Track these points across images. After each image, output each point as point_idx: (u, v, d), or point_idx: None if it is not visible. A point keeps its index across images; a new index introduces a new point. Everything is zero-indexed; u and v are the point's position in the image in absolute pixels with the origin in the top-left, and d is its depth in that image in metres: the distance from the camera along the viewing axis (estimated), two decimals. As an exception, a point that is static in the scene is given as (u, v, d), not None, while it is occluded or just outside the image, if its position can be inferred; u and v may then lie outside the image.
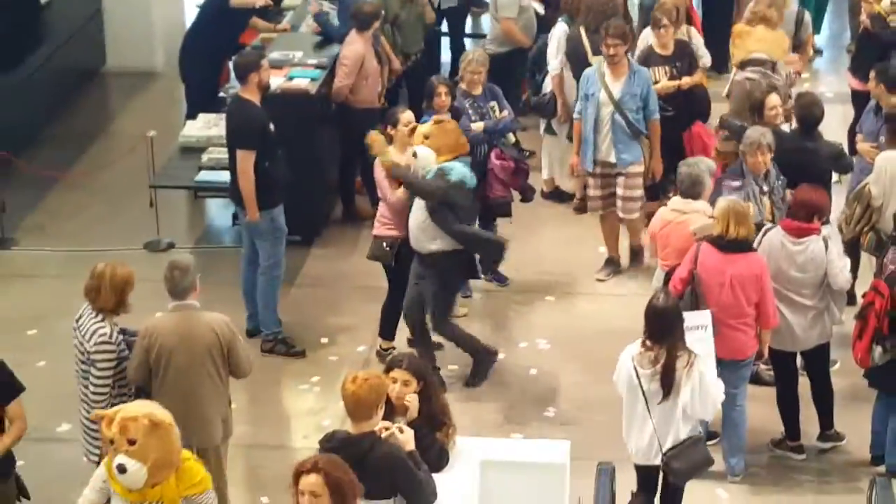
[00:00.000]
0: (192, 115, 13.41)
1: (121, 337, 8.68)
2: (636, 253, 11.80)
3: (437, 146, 10.08)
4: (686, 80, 12.08)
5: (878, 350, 9.38)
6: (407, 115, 10.68)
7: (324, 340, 10.99)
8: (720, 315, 9.21)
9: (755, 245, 9.58)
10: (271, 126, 11.13)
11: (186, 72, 14.29)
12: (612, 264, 11.65)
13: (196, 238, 12.95)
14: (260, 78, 11.06)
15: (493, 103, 11.94)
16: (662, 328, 8.41)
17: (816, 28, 14.64)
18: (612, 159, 11.42)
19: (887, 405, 9.58)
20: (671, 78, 12.04)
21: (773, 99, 11.17)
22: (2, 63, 14.54)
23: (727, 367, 9.35)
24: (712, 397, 8.42)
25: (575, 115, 11.64)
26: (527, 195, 12.07)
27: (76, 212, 13.36)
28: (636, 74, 11.40)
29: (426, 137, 10.14)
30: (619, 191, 11.53)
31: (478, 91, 11.91)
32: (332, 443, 7.43)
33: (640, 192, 11.56)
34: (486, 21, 16.32)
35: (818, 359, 9.86)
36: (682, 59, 12.22)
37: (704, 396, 8.34)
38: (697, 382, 8.35)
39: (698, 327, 8.98)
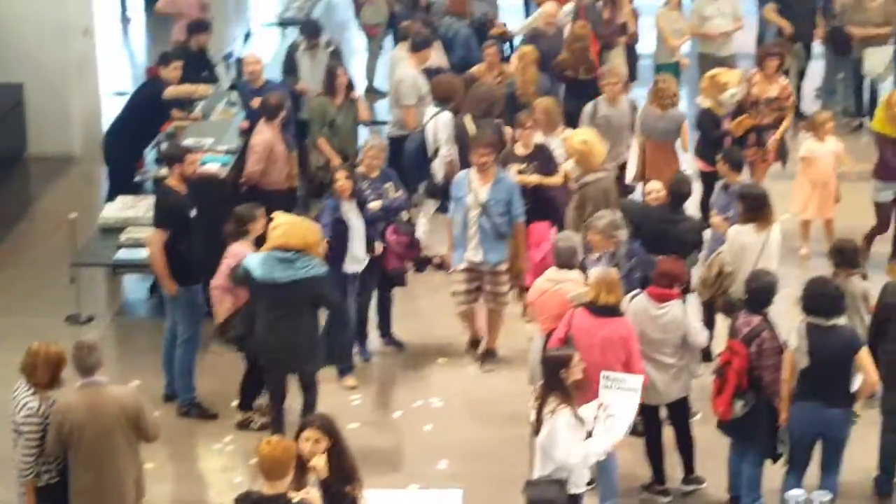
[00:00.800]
0: (111, 197, 13.41)
1: (47, 411, 8.73)
2: (491, 352, 11.72)
3: (286, 241, 10.00)
4: (535, 178, 12.02)
5: (738, 403, 9.61)
6: (262, 213, 10.79)
7: (234, 404, 11.05)
8: (592, 373, 9.28)
9: (623, 309, 9.75)
10: (191, 213, 11.26)
11: (110, 156, 14.29)
12: (491, 354, 11.63)
13: (114, 311, 12.97)
14: (183, 169, 11.30)
15: (389, 184, 12.06)
16: (544, 374, 8.84)
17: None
18: (479, 259, 11.41)
19: (740, 452, 9.85)
20: (523, 173, 12.09)
21: (652, 184, 11.54)
22: None
23: None
24: (560, 448, 8.53)
25: (449, 215, 11.75)
26: (420, 266, 12.31)
27: (3, 287, 13.28)
28: (502, 181, 11.41)
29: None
30: (487, 287, 11.51)
31: (375, 174, 12.05)
32: (247, 502, 7.57)
33: (506, 289, 11.56)
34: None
35: (680, 411, 10.07)
36: (539, 159, 12.14)
37: (551, 444, 8.53)
38: (551, 429, 8.55)
39: (631, 389, 9.08)
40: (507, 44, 16.74)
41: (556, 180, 12.13)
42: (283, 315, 10.02)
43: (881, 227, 12.97)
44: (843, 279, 10.21)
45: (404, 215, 12.21)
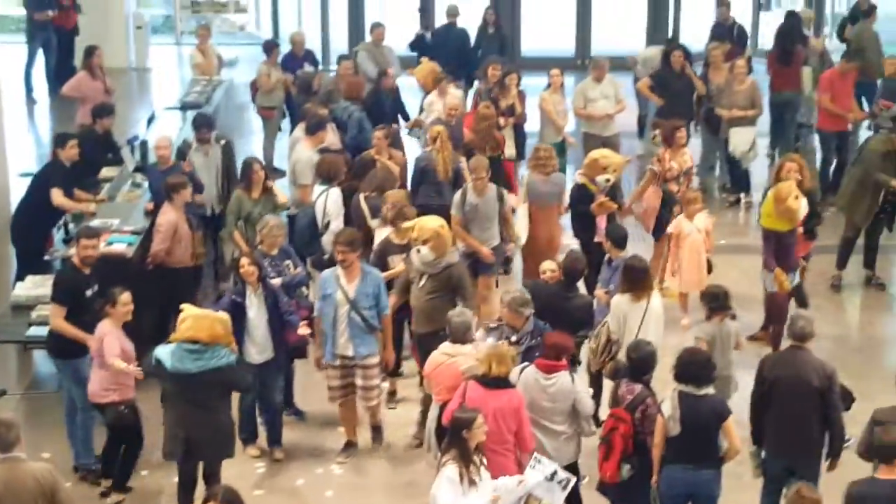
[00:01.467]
0: (20, 275, 13.33)
1: None
2: (377, 432, 11.62)
3: (194, 335, 9.93)
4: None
5: (625, 468, 9.72)
6: (125, 297, 10.72)
7: (143, 473, 11.03)
8: (486, 442, 9.36)
9: (514, 381, 9.79)
10: (89, 292, 11.25)
11: (17, 239, 14.18)
12: (351, 447, 11.44)
13: (25, 385, 12.80)
14: (77, 252, 11.35)
15: (288, 262, 12.16)
16: (449, 432, 9.07)
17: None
18: (350, 353, 11.16)
19: None
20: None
21: (547, 264, 11.66)
22: None
23: None
24: (440, 500, 8.85)
25: (315, 314, 11.41)
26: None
27: None
28: (368, 276, 11.19)
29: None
30: (359, 381, 11.26)
31: (275, 252, 12.11)
32: None
33: (377, 382, 11.37)
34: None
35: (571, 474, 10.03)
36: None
37: (436, 495, 8.89)
38: (437, 480, 8.92)
39: (558, 482, 9.29)
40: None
41: None
42: (195, 407, 9.96)
43: (780, 318, 12.45)
44: (718, 322, 10.64)
45: (304, 290, 12.23)
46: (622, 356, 10.93)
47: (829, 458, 9.85)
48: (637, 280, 11.26)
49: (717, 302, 10.82)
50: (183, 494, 10.26)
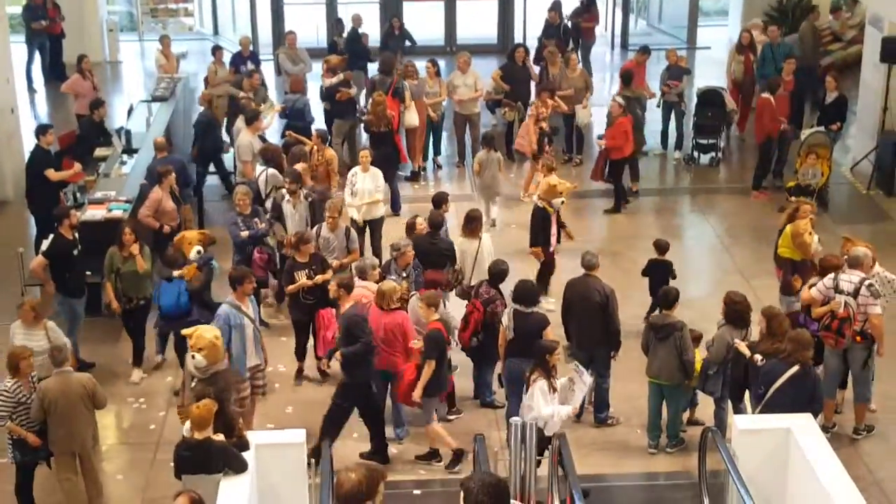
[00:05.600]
0: (42, 235, 13.47)
1: (15, 388, 9.42)
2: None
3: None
4: (318, 278, 11.57)
5: (474, 339, 10.83)
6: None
7: None
8: (383, 346, 10.33)
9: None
10: (75, 252, 11.84)
11: (33, 209, 14.47)
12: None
13: (53, 313, 12.19)
14: (70, 222, 11.96)
15: (257, 219, 12.58)
16: (536, 355, 9.61)
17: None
18: (257, 361, 10.54)
19: (478, 368, 11.15)
20: (308, 278, 11.51)
21: (417, 219, 12.12)
22: None
23: (388, 377, 10.57)
24: (537, 405, 9.39)
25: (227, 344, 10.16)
26: (277, 277, 12.55)
27: None
28: (250, 299, 10.59)
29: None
30: (258, 382, 10.66)
31: (247, 211, 12.56)
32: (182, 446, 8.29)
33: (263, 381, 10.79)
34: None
35: None
36: (316, 264, 11.66)
37: (532, 402, 9.45)
38: (532, 392, 9.49)
39: (585, 383, 9.75)
40: None
41: (329, 276, 11.53)
42: None
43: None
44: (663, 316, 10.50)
45: (268, 240, 12.71)
46: (465, 280, 11.79)
47: (613, 349, 10.82)
48: (469, 223, 12.17)
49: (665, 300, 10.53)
50: None
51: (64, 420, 9.44)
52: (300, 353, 11.91)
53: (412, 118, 16.86)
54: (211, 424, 8.33)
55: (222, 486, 8.05)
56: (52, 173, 14.15)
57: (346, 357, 10.20)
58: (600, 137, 16.19)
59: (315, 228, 12.45)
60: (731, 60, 18.67)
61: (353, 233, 12.62)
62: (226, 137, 16.79)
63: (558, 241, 13.05)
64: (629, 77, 17.11)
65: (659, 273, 12.33)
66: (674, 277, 12.26)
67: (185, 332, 9.66)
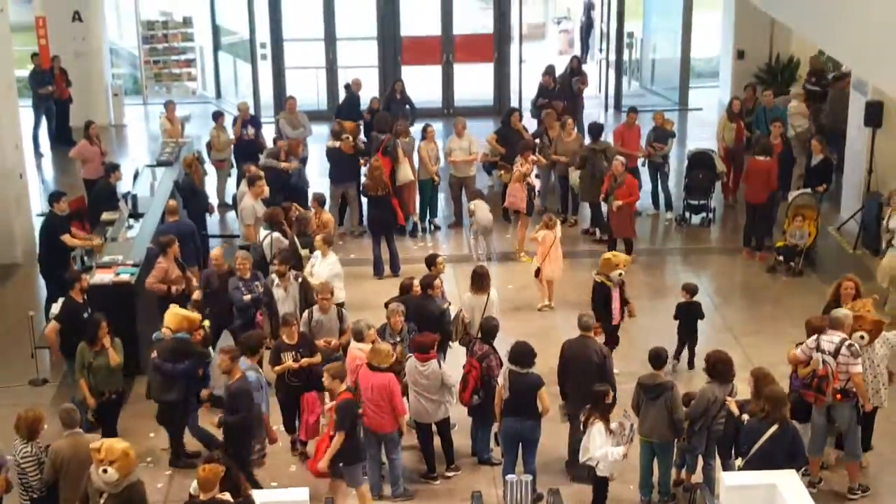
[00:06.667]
0: (52, 299, 13.85)
1: (36, 451, 9.64)
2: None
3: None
4: (304, 362, 11.57)
5: (475, 397, 11.09)
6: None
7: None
8: (371, 406, 10.53)
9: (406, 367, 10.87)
10: (84, 314, 12.11)
11: (45, 273, 14.78)
12: None
13: (62, 376, 13.22)
14: (81, 286, 12.41)
15: (258, 283, 12.79)
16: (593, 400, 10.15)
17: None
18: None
19: (478, 428, 11.47)
20: (295, 360, 11.52)
21: (412, 280, 12.38)
22: None
23: (383, 437, 10.78)
24: (593, 446, 9.97)
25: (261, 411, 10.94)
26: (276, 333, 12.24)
27: None
28: (246, 375, 10.76)
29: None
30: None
31: (248, 275, 12.78)
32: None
33: None
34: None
35: (444, 425, 11.36)
36: (304, 347, 11.64)
37: (588, 443, 10.04)
38: (589, 433, 10.08)
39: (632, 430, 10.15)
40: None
41: (316, 360, 11.63)
42: None
43: None
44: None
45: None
46: (472, 332, 12.15)
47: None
48: (477, 281, 12.58)
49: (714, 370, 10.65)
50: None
51: (75, 481, 9.50)
52: (289, 428, 11.92)
53: (406, 173, 17.32)
54: (217, 486, 8.55)
55: None
56: (69, 239, 14.47)
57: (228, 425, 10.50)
58: (606, 199, 16.42)
59: (307, 312, 12.28)
60: (721, 128, 18.99)
61: (345, 313, 12.49)
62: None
63: (622, 316, 13.03)
64: (597, 130, 17.63)
65: (689, 315, 13.11)
66: (702, 318, 13.05)
67: (92, 445, 9.02)
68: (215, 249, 12.88)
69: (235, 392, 10.55)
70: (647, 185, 18.48)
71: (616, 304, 12.91)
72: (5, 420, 10.75)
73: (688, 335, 13.43)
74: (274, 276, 13.01)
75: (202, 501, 8.54)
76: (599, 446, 9.88)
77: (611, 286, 12.90)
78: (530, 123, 19.62)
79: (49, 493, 9.71)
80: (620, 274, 12.92)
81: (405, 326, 11.80)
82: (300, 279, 13.09)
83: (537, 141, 18.22)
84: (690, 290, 13.28)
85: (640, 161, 18.34)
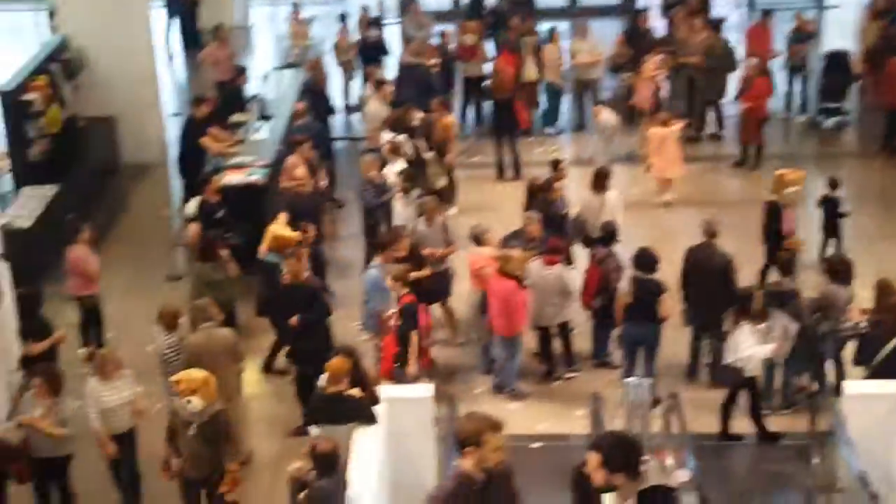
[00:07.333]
0: (187, 198, 14.13)
1: (176, 341, 9.99)
2: None
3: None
4: (414, 275, 11.18)
5: (597, 300, 11.25)
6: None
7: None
8: (502, 306, 10.68)
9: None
10: (220, 213, 12.50)
11: (182, 174, 15.10)
12: None
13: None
14: (215, 186, 12.68)
15: (386, 187, 12.83)
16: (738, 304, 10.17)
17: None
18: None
19: (598, 326, 11.44)
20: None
21: (530, 213, 12.03)
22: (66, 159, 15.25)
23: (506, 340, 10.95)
24: (741, 347, 9.93)
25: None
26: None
27: (122, 258, 14.12)
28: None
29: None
30: None
31: (377, 179, 12.93)
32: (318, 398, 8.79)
33: None
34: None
35: (564, 328, 11.36)
36: (413, 259, 11.44)
37: (735, 344, 10.04)
38: (736, 335, 10.07)
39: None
40: None
41: (425, 273, 11.56)
42: None
43: None
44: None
45: None
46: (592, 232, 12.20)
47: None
48: (599, 182, 12.68)
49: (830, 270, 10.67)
50: None
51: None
52: None
53: (531, 71, 17.33)
54: (345, 380, 8.78)
55: (356, 436, 8.48)
56: (207, 141, 14.70)
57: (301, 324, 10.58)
58: (736, 99, 16.17)
59: (412, 224, 12.26)
60: (864, 27, 18.37)
61: (450, 225, 12.39)
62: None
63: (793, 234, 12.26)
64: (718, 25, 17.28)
65: (831, 207, 13.18)
66: (844, 214, 13.06)
67: (172, 378, 9.13)
68: (299, 169, 12.83)
69: (311, 289, 10.70)
70: (782, 87, 18.11)
71: (790, 225, 12.22)
72: (146, 312, 11.23)
73: (831, 230, 13.34)
74: (399, 190, 13.01)
75: (329, 394, 8.79)
76: (747, 347, 9.90)
77: (785, 204, 12.24)
78: (660, 25, 19.41)
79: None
80: (796, 191, 12.22)
81: (540, 234, 11.74)
82: (420, 197, 12.98)
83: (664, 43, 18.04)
84: (833, 183, 13.21)
85: (778, 62, 17.96)
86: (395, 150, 13.77)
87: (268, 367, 11.76)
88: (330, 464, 7.92)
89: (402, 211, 12.83)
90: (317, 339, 10.59)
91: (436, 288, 11.81)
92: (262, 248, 11.80)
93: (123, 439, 9.70)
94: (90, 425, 9.53)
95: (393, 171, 13.37)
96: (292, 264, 10.77)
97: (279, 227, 11.85)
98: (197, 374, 8.90)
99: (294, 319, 10.68)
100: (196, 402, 8.78)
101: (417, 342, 10.32)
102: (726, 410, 10.38)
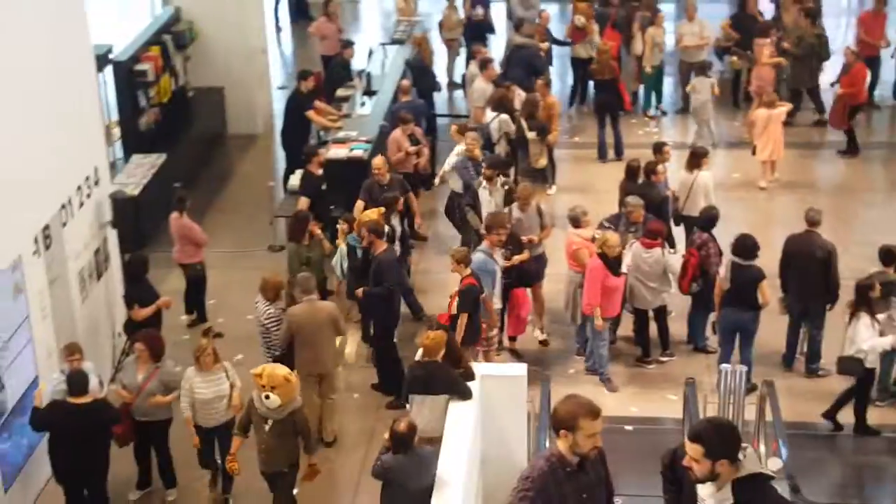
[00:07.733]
0: (290, 170, 14.31)
1: (277, 311, 10.00)
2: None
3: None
4: (515, 259, 11.42)
5: (693, 285, 11.18)
6: None
7: None
8: (606, 292, 10.68)
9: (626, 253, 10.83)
10: (323, 186, 12.57)
11: (285, 144, 15.29)
12: None
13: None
14: (319, 160, 12.83)
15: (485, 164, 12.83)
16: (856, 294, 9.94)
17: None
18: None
19: (694, 314, 11.41)
20: (506, 258, 11.33)
21: (633, 199, 11.72)
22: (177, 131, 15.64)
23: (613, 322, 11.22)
24: (860, 338, 9.81)
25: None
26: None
27: (225, 227, 14.31)
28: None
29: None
30: None
31: (479, 157, 13.08)
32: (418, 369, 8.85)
33: None
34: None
35: (661, 311, 11.52)
36: (512, 245, 11.42)
37: (855, 336, 9.91)
38: (855, 326, 9.90)
39: None
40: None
41: (524, 257, 11.56)
42: None
43: None
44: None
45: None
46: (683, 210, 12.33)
47: (831, 303, 11.04)
48: (692, 161, 12.63)
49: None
50: None
51: (309, 344, 9.99)
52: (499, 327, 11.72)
53: (637, 46, 17.29)
54: (440, 353, 8.83)
55: (451, 409, 8.57)
56: (312, 115, 14.80)
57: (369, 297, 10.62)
58: (833, 85, 15.94)
59: (507, 210, 12.03)
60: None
61: (545, 209, 12.17)
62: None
63: None
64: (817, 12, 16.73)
65: None
66: None
67: (253, 371, 8.85)
68: (377, 158, 12.61)
69: (380, 263, 10.70)
70: (890, 75, 17.73)
71: None
72: (248, 281, 11.40)
73: None
74: (482, 179, 12.84)
75: (427, 365, 8.85)
76: (867, 338, 9.82)
77: None
78: (767, 9, 19.09)
79: (287, 351, 10.13)
80: None
81: (643, 218, 11.67)
82: (507, 186, 12.78)
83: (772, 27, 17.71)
84: None
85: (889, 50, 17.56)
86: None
87: (366, 338, 11.89)
88: (404, 443, 8.02)
89: (489, 199, 12.65)
90: (385, 312, 10.69)
91: (531, 271, 11.77)
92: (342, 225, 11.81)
93: (215, 432, 9.60)
94: (182, 413, 9.49)
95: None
96: (365, 238, 10.89)
97: (363, 213, 11.67)
98: (280, 370, 8.77)
99: (359, 292, 10.88)
100: (274, 399, 8.65)
101: (462, 324, 10.22)
102: (856, 401, 10.29)
